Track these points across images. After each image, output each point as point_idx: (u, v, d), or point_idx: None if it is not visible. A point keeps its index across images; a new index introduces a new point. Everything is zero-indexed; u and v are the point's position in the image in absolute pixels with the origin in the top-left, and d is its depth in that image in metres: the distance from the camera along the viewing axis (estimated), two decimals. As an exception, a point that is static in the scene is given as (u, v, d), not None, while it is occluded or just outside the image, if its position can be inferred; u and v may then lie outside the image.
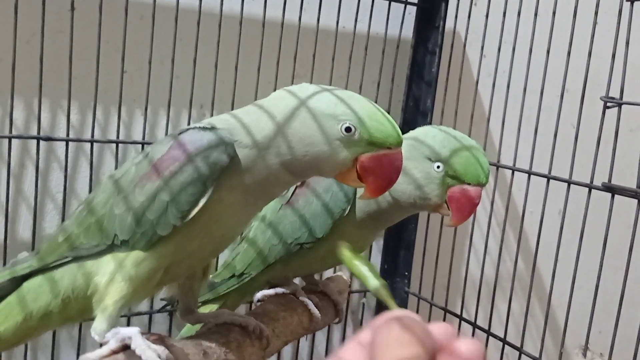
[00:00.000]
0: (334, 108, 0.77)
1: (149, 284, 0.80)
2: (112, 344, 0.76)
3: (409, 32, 1.41)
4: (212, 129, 0.79)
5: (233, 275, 1.10)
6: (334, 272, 1.41)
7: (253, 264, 1.07)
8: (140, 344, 0.75)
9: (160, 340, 0.79)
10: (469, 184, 0.96)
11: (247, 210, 0.83)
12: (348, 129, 0.76)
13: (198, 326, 0.99)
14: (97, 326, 0.78)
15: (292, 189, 1.07)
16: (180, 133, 0.81)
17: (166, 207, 0.77)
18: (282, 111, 0.78)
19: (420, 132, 1.04)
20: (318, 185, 1.04)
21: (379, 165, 0.79)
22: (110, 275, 0.79)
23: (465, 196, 0.96)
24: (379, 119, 0.78)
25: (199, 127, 0.80)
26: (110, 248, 0.81)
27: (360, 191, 0.84)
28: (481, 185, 0.97)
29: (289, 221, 1.04)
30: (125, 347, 0.76)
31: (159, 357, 0.74)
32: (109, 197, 0.82)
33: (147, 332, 0.81)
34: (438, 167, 0.97)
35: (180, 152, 0.78)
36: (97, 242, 0.81)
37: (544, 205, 1.19)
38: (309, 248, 1.04)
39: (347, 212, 1.02)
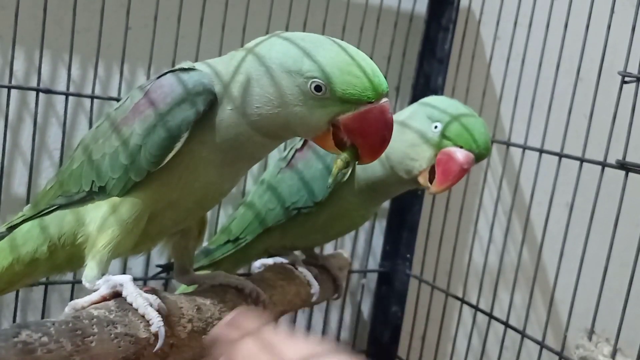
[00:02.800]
0: (300, 63, 0.69)
1: (135, 231, 0.77)
2: (103, 290, 0.73)
3: (422, 6, 1.38)
4: (192, 70, 0.75)
5: (229, 241, 1.06)
6: (335, 249, 1.38)
7: (249, 228, 1.04)
8: (132, 291, 0.72)
9: (153, 291, 0.77)
10: (461, 147, 0.93)
11: (226, 169, 0.78)
12: (318, 88, 0.68)
13: (193, 288, 0.96)
14: (88, 273, 0.76)
15: (292, 151, 1.04)
16: (160, 76, 0.77)
17: (139, 152, 0.74)
18: (248, 66, 0.72)
19: (425, 99, 1.03)
20: (317, 149, 1.01)
21: (365, 125, 0.70)
22: (96, 222, 0.77)
23: (453, 159, 0.93)
24: (352, 71, 0.68)
25: (179, 69, 0.76)
26: (91, 195, 0.78)
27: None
28: (474, 152, 0.94)
29: (288, 184, 1.01)
30: (117, 295, 0.74)
31: (151, 305, 0.71)
32: (89, 143, 0.79)
33: (142, 285, 0.78)
34: (436, 127, 0.95)
35: (155, 95, 0.75)
36: (78, 189, 0.79)
37: (553, 187, 1.16)
38: (307, 214, 1.01)
39: (346, 177, 0.99)
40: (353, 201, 1.02)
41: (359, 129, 0.71)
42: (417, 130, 0.95)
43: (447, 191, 1.35)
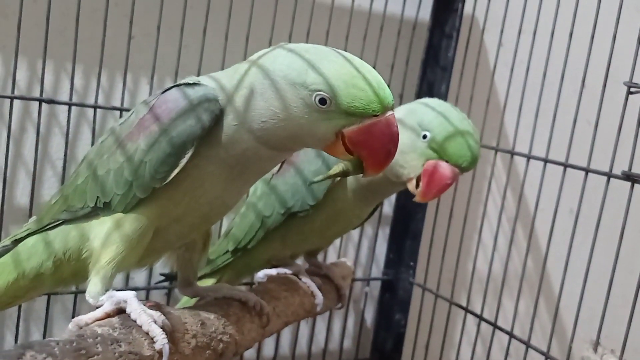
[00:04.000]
0: (305, 75, 0.68)
1: (139, 247, 0.77)
2: (107, 307, 0.73)
3: (426, 14, 1.37)
4: (197, 85, 0.75)
5: (227, 251, 1.06)
6: (338, 257, 1.37)
7: (246, 237, 1.04)
8: (135, 308, 0.72)
9: (157, 307, 0.76)
10: (447, 161, 0.94)
11: (232, 184, 0.78)
12: (322, 101, 0.68)
13: (196, 300, 0.96)
14: (92, 289, 0.75)
15: None
16: (164, 91, 0.77)
17: (144, 168, 0.73)
18: (252, 80, 0.71)
19: (424, 100, 1.03)
20: (308, 152, 1.00)
21: (370, 138, 0.70)
22: (101, 238, 0.76)
23: (438, 172, 0.94)
24: (357, 84, 0.68)
25: (183, 84, 0.76)
26: (95, 211, 0.78)
27: None
28: (459, 166, 0.94)
29: (282, 189, 1.01)
30: (121, 311, 0.73)
31: (155, 322, 0.71)
32: (94, 159, 0.79)
33: (145, 300, 0.77)
34: (424, 136, 0.94)
35: (160, 111, 0.74)
36: (82, 205, 0.78)
37: (558, 196, 1.15)
38: (304, 217, 1.01)
39: (337, 180, 0.99)
40: (348, 201, 1.02)
41: (364, 142, 0.70)
42: (407, 137, 0.94)
43: (451, 200, 1.36)
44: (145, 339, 0.70)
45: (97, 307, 0.74)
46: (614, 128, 1.03)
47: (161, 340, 0.70)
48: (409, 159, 0.95)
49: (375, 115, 0.69)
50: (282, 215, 1.01)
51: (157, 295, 1.23)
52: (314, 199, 0.99)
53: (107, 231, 0.75)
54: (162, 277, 1.17)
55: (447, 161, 0.94)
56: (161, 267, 1.14)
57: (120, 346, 0.67)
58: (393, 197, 1.45)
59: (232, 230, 1.07)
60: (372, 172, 0.74)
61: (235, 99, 0.73)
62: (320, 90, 0.67)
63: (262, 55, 0.75)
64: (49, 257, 0.79)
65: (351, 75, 0.68)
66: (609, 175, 1.04)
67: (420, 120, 0.95)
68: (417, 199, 0.96)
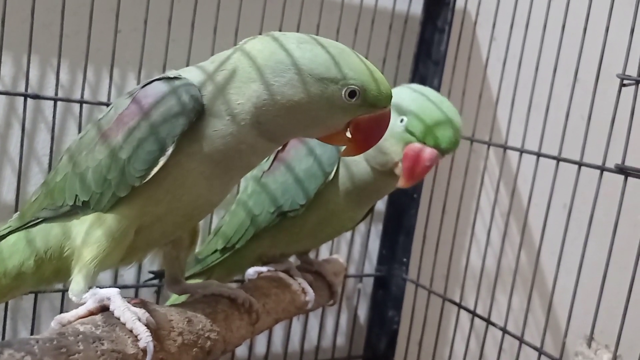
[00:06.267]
0: (335, 71, 0.70)
1: (121, 246, 0.75)
2: (90, 304, 0.71)
3: (418, 7, 1.36)
4: (177, 78, 0.73)
5: (216, 250, 1.04)
6: (330, 253, 1.36)
7: (235, 237, 1.02)
8: (119, 305, 0.70)
9: (142, 304, 0.75)
10: (425, 143, 0.93)
11: (217, 180, 0.76)
12: (352, 94, 0.71)
13: (185, 297, 0.94)
14: (74, 287, 0.74)
15: (272, 155, 1.02)
16: (144, 85, 0.75)
17: (123, 166, 0.71)
18: (268, 72, 0.69)
19: (403, 85, 1.02)
20: (299, 149, 0.99)
21: (375, 126, 0.75)
22: (82, 236, 0.74)
23: (416, 156, 0.93)
24: (378, 79, 0.73)
25: (164, 78, 0.74)
26: (75, 209, 0.76)
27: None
28: (439, 149, 0.94)
29: (273, 187, 1.00)
30: (104, 309, 0.72)
31: (139, 320, 0.69)
32: (73, 155, 0.77)
33: (130, 297, 0.76)
34: (402, 120, 0.94)
35: (139, 106, 0.72)
36: (62, 203, 0.77)
37: (551, 190, 1.14)
38: (294, 218, 1.00)
39: (331, 177, 0.98)
40: (339, 203, 1.01)
41: (369, 129, 0.75)
42: None
43: (444, 195, 1.35)
44: (129, 337, 0.68)
45: (81, 305, 0.72)
46: (607, 121, 1.02)
47: (145, 338, 0.68)
48: (389, 144, 0.94)
49: (384, 107, 0.74)
50: (272, 214, 0.99)
51: (147, 293, 1.22)
52: (305, 197, 0.98)
53: (87, 230, 0.74)
54: (152, 275, 1.15)
55: (425, 144, 0.93)
56: (150, 264, 1.12)
57: (102, 344, 0.65)
58: (386, 193, 1.44)
59: (221, 228, 1.05)
60: (356, 153, 0.78)
61: (228, 91, 0.71)
62: (352, 85, 0.70)
63: (249, 42, 0.73)
64: (31, 255, 0.78)
65: (373, 71, 0.73)
66: (602, 169, 1.03)
67: (398, 105, 0.94)
68: (399, 185, 0.96)
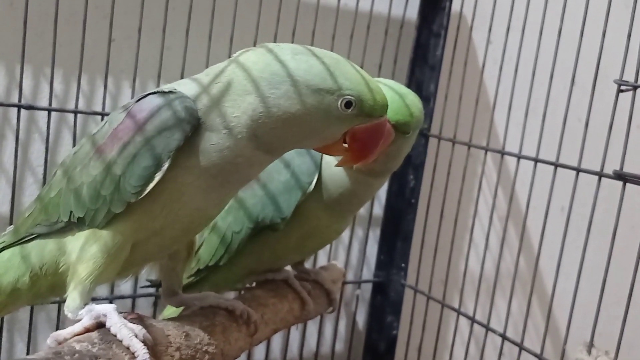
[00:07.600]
0: (330, 81, 0.70)
1: (117, 261, 0.74)
2: (86, 321, 0.70)
3: (413, 12, 1.35)
4: (172, 92, 0.71)
5: (199, 270, 1.02)
6: (328, 260, 1.35)
7: (217, 254, 1.00)
8: (115, 322, 0.69)
9: (138, 319, 0.74)
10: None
11: (214, 194, 0.75)
12: (348, 104, 0.71)
13: (181, 309, 0.93)
14: (70, 303, 0.73)
15: None
16: (139, 99, 0.73)
17: (118, 182, 0.70)
18: (264, 84, 0.69)
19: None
20: (276, 163, 0.94)
21: (372, 136, 0.75)
22: (77, 253, 0.73)
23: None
24: (374, 89, 0.73)
25: (159, 92, 0.72)
26: (70, 225, 0.75)
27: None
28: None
29: (251, 202, 0.97)
30: (100, 325, 0.71)
31: (136, 336, 0.68)
32: (67, 170, 0.76)
33: (126, 312, 0.75)
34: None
35: (134, 121, 0.71)
36: (56, 219, 0.76)
37: (550, 195, 1.13)
38: (276, 232, 0.97)
39: (311, 189, 0.95)
40: (322, 217, 0.98)
41: (366, 139, 0.75)
42: None
43: (442, 200, 1.35)
44: (125, 354, 0.68)
45: (77, 322, 0.71)
46: (605, 126, 1.01)
47: (142, 355, 0.67)
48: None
49: (380, 116, 0.74)
50: (253, 229, 0.97)
51: (144, 303, 1.21)
52: (286, 210, 0.95)
53: (83, 246, 0.73)
54: (148, 283, 1.14)
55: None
56: (147, 273, 1.12)
57: (99, 363, 0.64)
58: (383, 198, 1.44)
59: (200, 249, 1.02)
60: (354, 162, 0.78)
61: (224, 104, 0.70)
62: (349, 95, 0.70)
63: (243, 54, 0.72)
64: (26, 271, 0.76)
65: (368, 80, 0.73)
66: (600, 175, 1.02)
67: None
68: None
